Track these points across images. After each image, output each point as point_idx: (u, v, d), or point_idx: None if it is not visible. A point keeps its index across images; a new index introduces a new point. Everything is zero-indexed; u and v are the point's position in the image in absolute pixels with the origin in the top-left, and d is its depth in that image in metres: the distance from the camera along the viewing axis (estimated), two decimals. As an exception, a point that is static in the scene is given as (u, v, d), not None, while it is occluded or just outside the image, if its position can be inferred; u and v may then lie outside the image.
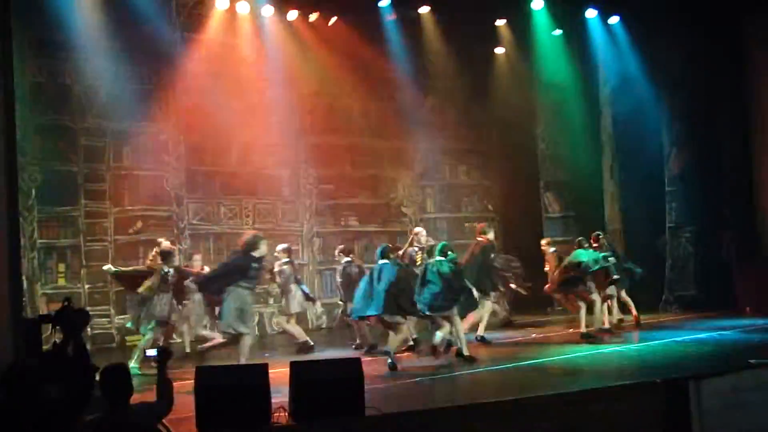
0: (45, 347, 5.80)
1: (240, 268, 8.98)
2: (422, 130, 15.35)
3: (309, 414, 6.21)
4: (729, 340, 10.52)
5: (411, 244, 10.99)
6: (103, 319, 12.13)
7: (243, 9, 13.17)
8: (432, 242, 10.74)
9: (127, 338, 12.02)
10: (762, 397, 6.62)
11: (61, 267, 12.07)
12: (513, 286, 11.92)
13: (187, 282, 10.49)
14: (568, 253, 11.74)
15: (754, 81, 13.99)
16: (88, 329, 10.81)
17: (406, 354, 10.01)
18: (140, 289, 9.65)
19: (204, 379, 6.30)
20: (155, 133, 12.93)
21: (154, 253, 10.44)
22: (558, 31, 15.01)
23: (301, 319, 12.03)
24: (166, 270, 9.79)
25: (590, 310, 11.09)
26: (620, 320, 12.04)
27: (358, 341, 10.96)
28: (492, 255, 11.37)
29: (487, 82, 15.68)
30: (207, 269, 10.71)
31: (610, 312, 11.82)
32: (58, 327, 5.34)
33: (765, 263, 13.42)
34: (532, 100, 16.01)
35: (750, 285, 13.34)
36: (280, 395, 6.51)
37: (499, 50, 15.66)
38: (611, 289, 11.64)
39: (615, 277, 11.38)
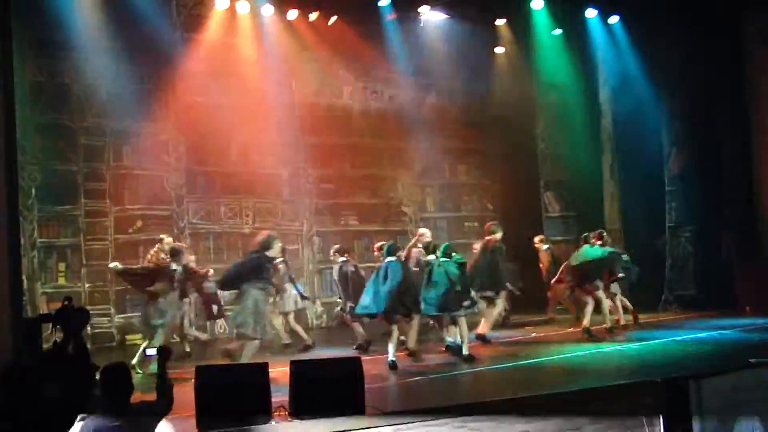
0: (45, 346, 5.80)
1: (256, 268, 9.06)
2: (422, 130, 15.33)
3: (309, 413, 6.22)
4: (729, 339, 10.53)
5: (415, 245, 10.99)
6: (104, 319, 12.12)
7: (243, 8, 13.18)
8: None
9: (128, 337, 12.05)
10: (762, 397, 6.61)
11: (61, 266, 12.05)
12: (508, 285, 11.92)
13: (206, 283, 10.46)
14: (565, 252, 11.74)
15: (755, 80, 13.98)
16: (89, 328, 10.75)
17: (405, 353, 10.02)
18: (151, 288, 9.46)
19: (204, 378, 6.30)
20: (155, 132, 12.91)
21: (156, 248, 10.42)
22: (558, 31, 15.03)
23: (299, 317, 12.02)
24: (173, 267, 9.72)
25: (597, 308, 11.12)
26: (617, 321, 12.04)
27: (359, 341, 10.95)
28: (502, 254, 11.36)
29: (487, 82, 15.68)
30: (212, 271, 10.70)
31: (614, 311, 11.82)
32: (58, 326, 5.36)
33: (765, 263, 13.42)
34: (532, 100, 16.02)
35: (750, 285, 13.34)
36: (280, 394, 6.52)
37: (499, 50, 15.66)
38: (614, 287, 11.66)
39: (621, 275, 11.39)
